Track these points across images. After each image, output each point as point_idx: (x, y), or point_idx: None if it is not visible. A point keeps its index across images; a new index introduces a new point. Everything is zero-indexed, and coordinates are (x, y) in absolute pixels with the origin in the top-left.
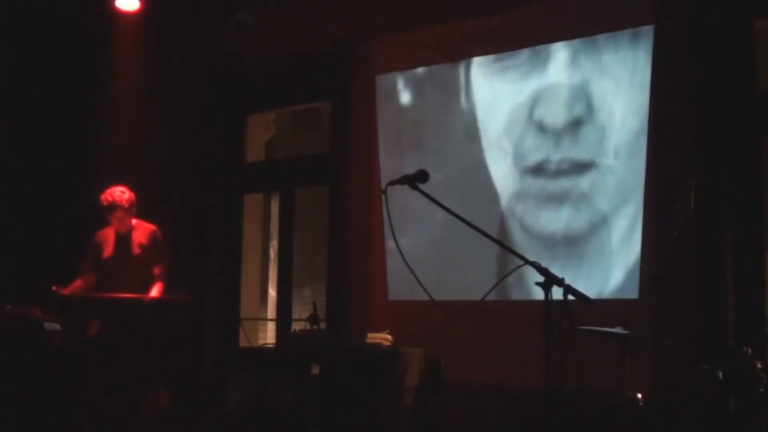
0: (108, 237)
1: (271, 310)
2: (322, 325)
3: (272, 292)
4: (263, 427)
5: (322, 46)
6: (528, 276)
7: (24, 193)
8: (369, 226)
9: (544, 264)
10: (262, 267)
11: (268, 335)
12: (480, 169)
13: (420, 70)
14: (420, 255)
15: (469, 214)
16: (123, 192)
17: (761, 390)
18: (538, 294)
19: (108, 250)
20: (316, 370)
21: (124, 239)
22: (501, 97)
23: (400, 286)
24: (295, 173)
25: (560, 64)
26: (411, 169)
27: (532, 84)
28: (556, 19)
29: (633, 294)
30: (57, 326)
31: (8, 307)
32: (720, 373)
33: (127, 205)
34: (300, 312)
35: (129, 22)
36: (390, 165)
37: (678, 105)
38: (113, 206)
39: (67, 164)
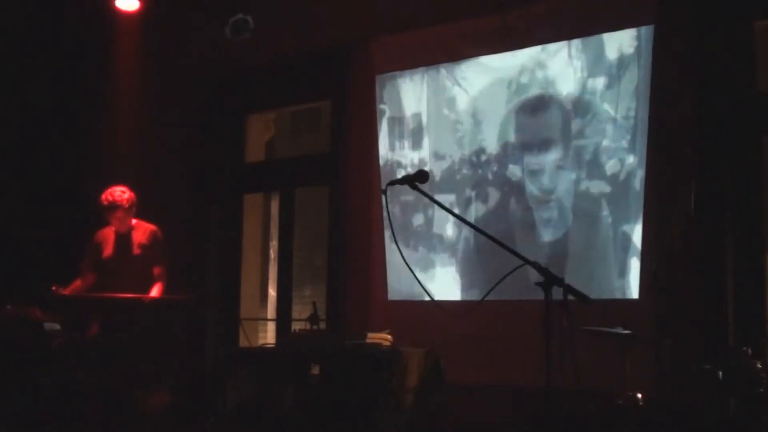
0: (108, 237)
1: (271, 310)
2: (322, 325)
3: (272, 292)
4: (263, 427)
5: (322, 46)
6: (528, 276)
7: (24, 193)
8: (369, 226)
9: (543, 264)
10: (262, 267)
11: (268, 335)
12: (480, 169)
13: (420, 69)
14: (420, 253)
15: (470, 213)
16: (123, 192)
17: (761, 390)
18: (538, 294)
19: (108, 250)
20: (316, 370)
21: (124, 239)
22: (501, 96)
23: (400, 286)
24: (295, 173)
25: (560, 65)
26: (411, 168)
27: (532, 84)
28: (556, 19)
29: (633, 294)
30: (57, 326)
31: (8, 307)
32: (720, 373)
33: (127, 205)
34: (300, 312)
35: (129, 22)
36: (390, 165)
37: (678, 105)
38: (113, 206)
39: (67, 164)
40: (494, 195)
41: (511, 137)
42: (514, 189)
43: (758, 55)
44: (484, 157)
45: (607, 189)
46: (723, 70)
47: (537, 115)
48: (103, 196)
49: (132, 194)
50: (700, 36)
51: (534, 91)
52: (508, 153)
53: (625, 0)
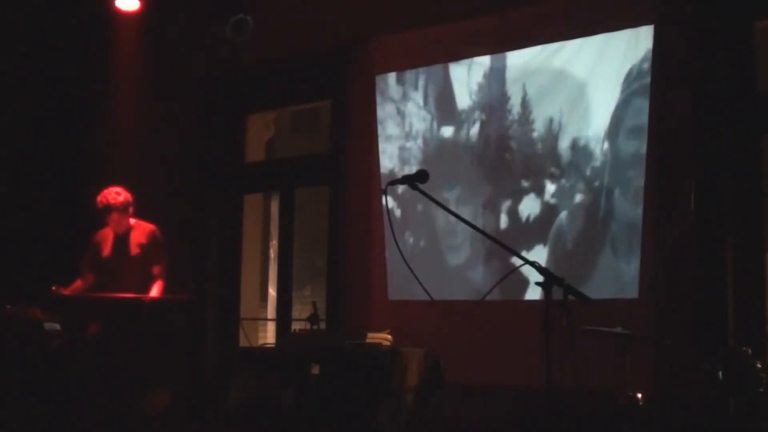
0: (107, 237)
1: (271, 310)
2: (322, 325)
3: (272, 292)
4: (263, 427)
5: (322, 46)
6: (528, 276)
7: (24, 193)
8: (369, 226)
9: (543, 263)
10: (262, 267)
11: (268, 335)
12: (480, 168)
13: (420, 69)
14: (420, 254)
15: (472, 214)
16: (118, 194)
17: (761, 390)
18: (538, 294)
19: (107, 250)
20: (316, 370)
21: (122, 239)
22: (502, 96)
23: (400, 286)
24: (295, 173)
25: (560, 64)
26: (411, 168)
27: (531, 84)
28: (555, 19)
29: (633, 294)
30: (57, 326)
31: (8, 307)
32: (720, 373)
33: (121, 207)
34: (300, 312)
35: (129, 22)
36: (390, 165)
37: (678, 105)
38: (108, 208)
39: (67, 164)
40: (490, 206)
41: (509, 149)
42: (516, 186)
43: (758, 55)
44: (480, 170)
45: (606, 189)
46: (723, 70)
47: (534, 129)
48: (98, 199)
49: (128, 195)
50: (700, 36)
51: (530, 106)
52: (505, 165)
53: (625, 0)
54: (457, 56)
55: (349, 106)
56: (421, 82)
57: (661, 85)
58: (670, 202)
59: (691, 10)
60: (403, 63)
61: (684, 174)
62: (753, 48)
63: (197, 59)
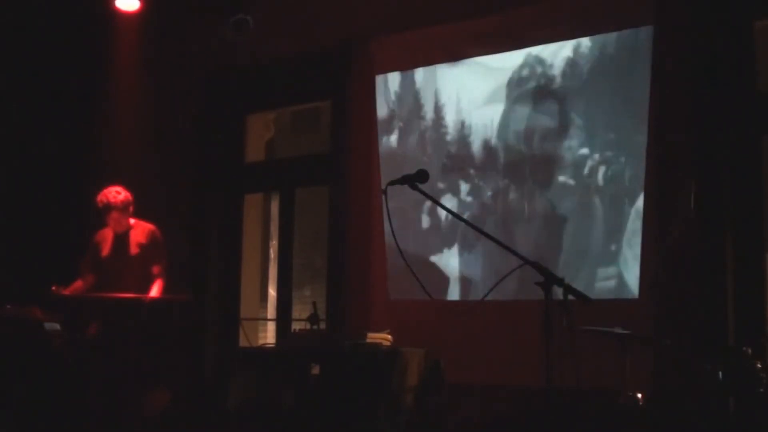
0: (107, 237)
1: (271, 310)
2: (322, 325)
3: (272, 292)
4: (263, 427)
5: (322, 46)
6: (528, 276)
7: (24, 193)
8: (369, 226)
9: (543, 263)
10: (262, 267)
11: (268, 335)
12: (480, 168)
13: (420, 69)
14: (419, 254)
15: (473, 213)
16: (118, 192)
17: (761, 390)
18: (538, 294)
19: (106, 250)
20: (316, 370)
21: (122, 239)
22: (501, 96)
23: (400, 286)
24: (295, 173)
25: (560, 64)
26: (412, 168)
27: (531, 83)
28: (555, 19)
29: (633, 294)
30: (57, 326)
31: (8, 307)
32: (720, 373)
33: (121, 206)
34: (300, 312)
35: (129, 22)
36: (390, 164)
37: (678, 105)
38: (108, 207)
39: (67, 164)
40: (490, 207)
41: (510, 148)
42: (514, 185)
43: (758, 55)
44: (480, 170)
45: (607, 188)
46: (723, 70)
47: (533, 128)
48: (98, 198)
49: (128, 194)
50: (700, 36)
51: (534, 86)
52: (505, 165)
53: (625, 0)
54: (457, 56)
55: (349, 106)
56: None
57: (661, 84)
58: (670, 202)
59: (691, 10)
60: (403, 63)
61: (684, 174)
62: (753, 48)
63: (197, 59)
